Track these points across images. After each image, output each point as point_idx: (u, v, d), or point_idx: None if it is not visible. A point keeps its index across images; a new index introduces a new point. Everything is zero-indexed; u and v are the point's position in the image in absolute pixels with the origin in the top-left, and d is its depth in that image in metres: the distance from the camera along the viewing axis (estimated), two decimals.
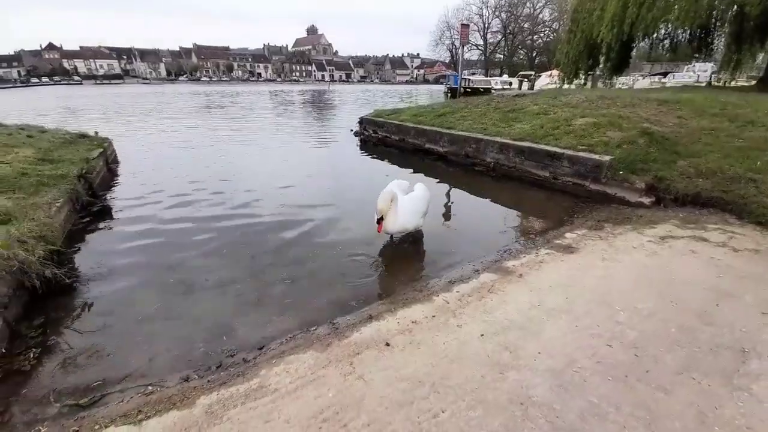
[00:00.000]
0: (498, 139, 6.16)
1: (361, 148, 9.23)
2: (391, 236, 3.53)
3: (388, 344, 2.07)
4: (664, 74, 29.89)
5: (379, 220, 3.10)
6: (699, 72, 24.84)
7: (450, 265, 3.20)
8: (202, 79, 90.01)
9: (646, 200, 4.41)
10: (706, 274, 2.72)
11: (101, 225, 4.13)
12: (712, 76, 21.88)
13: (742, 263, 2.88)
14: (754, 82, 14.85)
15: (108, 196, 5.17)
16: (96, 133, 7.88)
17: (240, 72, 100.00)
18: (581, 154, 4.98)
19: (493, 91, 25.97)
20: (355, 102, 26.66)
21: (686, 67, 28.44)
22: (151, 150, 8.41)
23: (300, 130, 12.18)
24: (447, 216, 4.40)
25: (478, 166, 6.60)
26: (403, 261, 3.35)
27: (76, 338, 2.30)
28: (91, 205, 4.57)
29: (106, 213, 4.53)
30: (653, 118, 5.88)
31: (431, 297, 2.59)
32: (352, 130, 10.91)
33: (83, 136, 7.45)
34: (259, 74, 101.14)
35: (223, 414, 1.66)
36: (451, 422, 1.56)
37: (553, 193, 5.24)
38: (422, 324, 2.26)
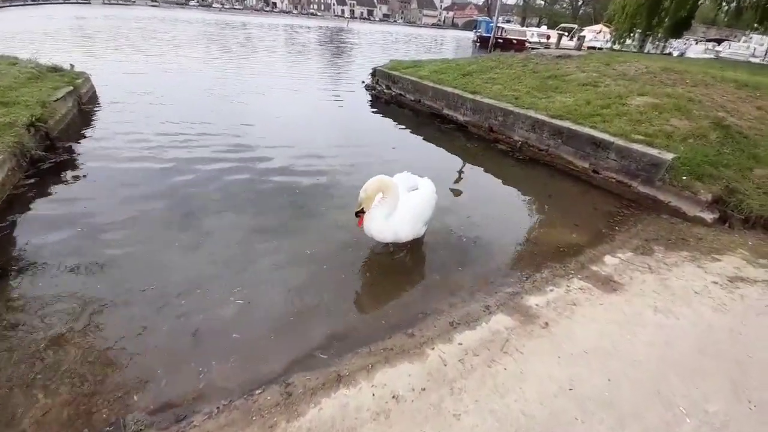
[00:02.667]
0: (531, 113, 5.12)
1: (372, 106, 8.15)
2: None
3: None
4: (719, 42, 26.52)
5: (359, 213, 2.44)
6: (756, 45, 21.90)
7: (454, 290, 2.52)
8: (213, 5, 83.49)
9: (708, 216, 3.56)
10: None
11: (45, 190, 3.48)
12: None
13: None
14: None
15: (71, 148, 4.46)
16: (72, 66, 6.94)
17: (254, 0, 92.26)
18: (635, 146, 4.01)
19: (528, 44, 23.25)
20: (372, 46, 24.27)
21: (743, 37, 25.17)
22: (145, 90, 7.38)
23: (306, 77, 10.90)
24: (457, 211, 3.64)
25: (502, 144, 5.64)
26: (395, 280, 2.67)
27: None
28: (41, 161, 3.90)
29: (58, 172, 3.85)
30: (729, 105, 4.73)
31: (424, 350, 1.96)
32: (363, 82, 9.67)
33: (55, 69, 6.54)
34: (275, 4, 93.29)
35: None
36: None
37: (590, 189, 4.36)
38: (406, 403, 1.65)
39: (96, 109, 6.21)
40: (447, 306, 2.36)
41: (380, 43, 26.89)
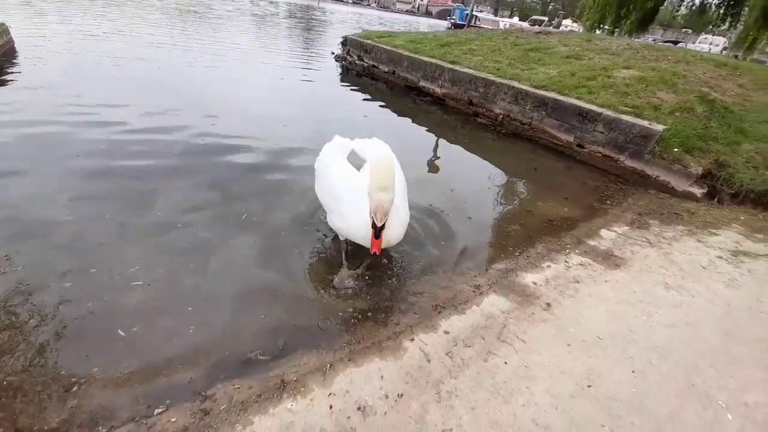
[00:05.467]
0: (515, 84, 4.75)
1: (342, 79, 7.46)
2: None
3: None
4: (675, 43, 28.17)
5: (380, 230, 1.44)
6: (712, 45, 23.36)
7: (434, 268, 2.07)
8: None
9: (698, 191, 3.36)
10: None
11: None
12: (724, 51, 20.79)
13: None
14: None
15: None
16: None
17: None
18: (624, 117, 3.74)
19: None
20: (343, 23, 23.14)
21: (699, 38, 26.85)
22: (78, 53, 6.09)
23: (271, 49, 9.94)
24: (438, 184, 3.20)
25: (482, 117, 5.25)
26: (363, 254, 2.16)
27: None
28: None
29: None
30: (712, 81, 4.62)
31: (401, 342, 1.50)
32: (333, 53, 8.93)
33: None
34: None
35: None
36: None
37: (575, 164, 4.08)
38: (377, 416, 1.18)
39: (8, 63, 5.10)
40: (429, 286, 1.90)
41: (351, 22, 25.72)
